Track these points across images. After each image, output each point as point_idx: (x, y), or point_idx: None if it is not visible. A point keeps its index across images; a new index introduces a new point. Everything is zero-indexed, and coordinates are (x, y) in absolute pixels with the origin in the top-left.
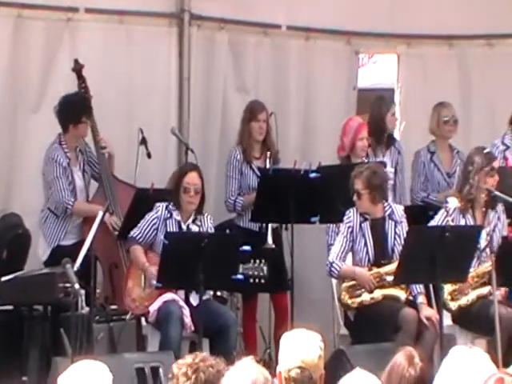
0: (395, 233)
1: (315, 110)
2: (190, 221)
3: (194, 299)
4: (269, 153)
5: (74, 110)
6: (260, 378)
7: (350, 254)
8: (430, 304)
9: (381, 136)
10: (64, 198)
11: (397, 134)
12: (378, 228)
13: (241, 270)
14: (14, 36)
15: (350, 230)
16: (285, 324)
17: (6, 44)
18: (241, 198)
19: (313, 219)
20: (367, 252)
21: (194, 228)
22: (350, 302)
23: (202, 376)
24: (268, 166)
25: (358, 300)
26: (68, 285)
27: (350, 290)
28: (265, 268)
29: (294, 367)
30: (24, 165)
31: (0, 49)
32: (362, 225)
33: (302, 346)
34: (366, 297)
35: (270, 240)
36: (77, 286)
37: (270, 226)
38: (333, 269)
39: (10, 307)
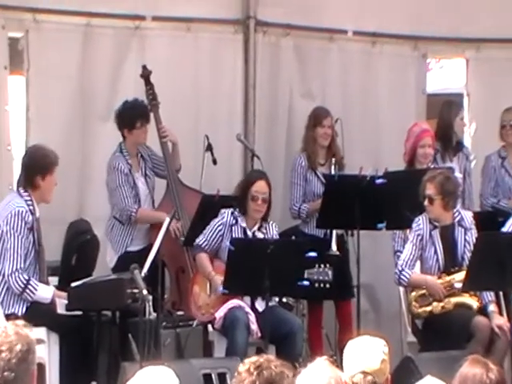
0: (465, 240)
1: (382, 116)
2: (256, 228)
3: (260, 305)
4: (334, 159)
5: (128, 115)
6: (332, 381)
7: (418, 263)
8: (500, 312)
9: (449, 141)
10: (127, 205)
11: (467, 139)
12: (448, 235)
13: (305, 276)
14: (82, 44)
15: (419, 237)
16: (349, 332)
17: (75, 52)
18: (305, 205)
19: (379, 226)
20: (437, 260)
21: (260, 235)
22: (420, 311)
23: (264, 373)
24: (333, 172)
25: (429, 309)
26: (136, 290)
27: (420, 300)
28: (330, 272)
29: (357, 372)
30: (95, 173)
31: (69, 57)
32: (432, 232)
33: (364, 352)
34: (436, 306)
35: (334, 247)
36: (145, 291)
37: (334, 232)
38: (402, 277)
39: (79, 313)
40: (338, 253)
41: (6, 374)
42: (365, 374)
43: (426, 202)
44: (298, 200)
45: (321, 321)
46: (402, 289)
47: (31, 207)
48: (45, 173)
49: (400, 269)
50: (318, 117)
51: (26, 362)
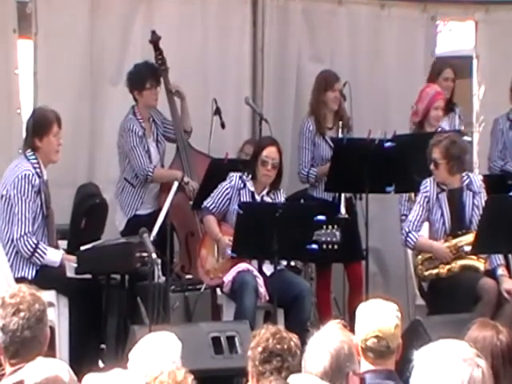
0: (473, 203)
1: (390, 79)
2: (265, 193)
3: (268, 269)
4: (341, 122)
5: (138, 75)
6: (344, 346)
7: (426, 224)
8: (510, 276)
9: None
10: (144, 165)
11: (476, 102)
12: (456, 199)
13: (314, 237)
14: (91, 8)
15: (426, 199)
16: (359, 294)
17: (83, 16)
18: (314, 170)
19: (388, 189)
20: (444, 223)
21: (268, 200)
22: (426, 273)
23: (284, 339)
24: (341, 135)
25: (435, 271)
26: (145, 254)
27: (426, 262)
28: (338, 233)
29: (371, 337)
30: (104, 136)
31: (78, 21)
32: (439, 195)
33: (378, 316)
34: (442, 268)
35: (343, 210)
36: (154, 255)
37: (342, 195)
38: (409, 239)
39: (88, 276)
40: (347, 216)
41: (25, 332)
42: (379, 338)
43: (432, 166)
44: (306, 164)
45: (329, 284)
46: (409, 252)
47: (38, 170)
48: (42, 134)
49: (407, 230)
50: (329, 81)
51: (43, 323)
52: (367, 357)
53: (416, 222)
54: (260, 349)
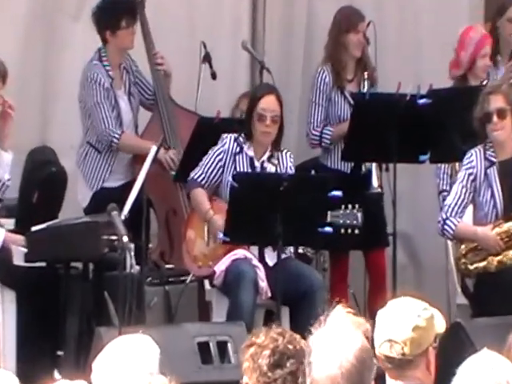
0: None
1: (425, 19)
2: (265, 158)
3: (271, 258)
4: (366, 73)
5: (111, 12)
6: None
7: (469, 207)
8: None
9: (497, 46)
10: (108, 128)
11: None
12: (508, 173)
13: (329, 219)
14: None
15: (471, 177)
16: (381, 291)
17: None
18: (329, 129)
19: (422, 158)
20: (495, 205)
21: (270, 167)
22: (471, 267)
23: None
24: (364, 89)
25: (482, 265)
26: (114, 237)
27: (471, 254)
28: (359, 215)
29: (384, 341)
30: (62, 87)
31: None
32: (488, 171)
33: (393, 316)
34: (491, 261)
35: (375, 182)
36: (125, 238)
37: (374, 164)
38: (446, 227)
39: (41, 264)
40: (379, 190)
41: None
42: (392, 343)
43: (494, 119)
44: (318, 124)
45: (346, 277)
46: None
47: None
48: None
49: (444, 216)
50: (352, 19)
51: None
52: (386, 368)
53: (456, 208)
54: (268, 352)
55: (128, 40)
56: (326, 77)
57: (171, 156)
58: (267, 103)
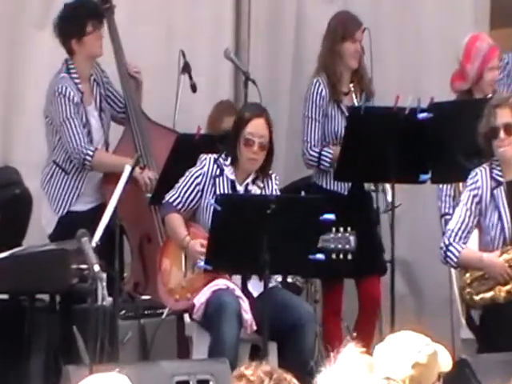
0: None
1: (426, 25)
2: (250, 180)
3: (255, 287)
4: (352, 85)
5: (75, 18)
6: None
7: (475, 232)
8: None
9: None
10: (80, 144)
11: None
12: None
13: (319, 244)
14: None
15: (476, 199)
16: (369, 323)
17: None
18: (329, 151)
19: (422, 177)
20: (502, 229)
21: (255, 190)
22: (477, 298)
23: None
24: (357, 103)
25: (488, 295)
26: (84, 266)
27: (476, 284)
28: (352, 238)
29: (381, 379)
30: (26, 103)
31: None
32: (494, 192)
33: (391, 352)
34: (498, 291)
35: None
36: (96, 267)
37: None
38: (449, 254)
39: (4, 296)
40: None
41: None
42: (389, 380)
43: (501, 134)
44: (315, 143)
45: (340, 308)
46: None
47: None
48: None
49: (447, 242)
50: (349, 27)
51: None
52: None
53: (460, 232)
54: None
55: (96, 46)
56: (321, 90)
57: (149, 176)
58: (256, 127)
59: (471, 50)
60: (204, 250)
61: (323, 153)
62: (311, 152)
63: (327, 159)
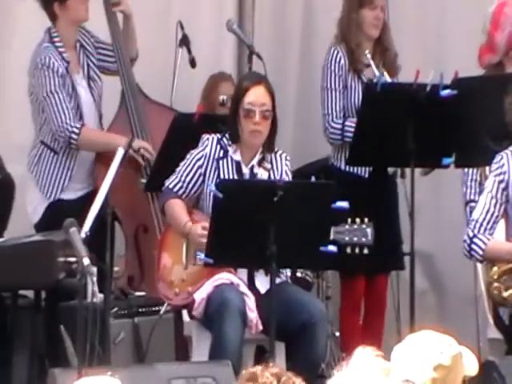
0: None
1: None
2: (255, 161)
3: (262, 283)
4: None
5: None
6: None
7: (501, 222)
8: None
9: None
10: (64, 121)
11: None
12: None
13: (332, 236)
14: None
15: (502, 185)
16: (379, 323)
17: None
18: (353, 120)
19: (445, 161)
20: None
21: (262, 173)
22: (505, 294)
23: None
24: (376, 76)
25: None
26: (72, 259)
27: (505, 278)
28: (369, 231)
29: (400, 382)
30: (7, 78)
31: None
32: None
33: (412, 353)
34: None
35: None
36: (86, 260)
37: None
38: (474, 246)
39: None
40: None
41: None
42: (409, 383)
43: None
44: (338, 114)
45: (359, 305)
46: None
47: None
48: None
49: (471, 234)
50: None
51: None
52: None
53: (485, 223)
54: None
55: (81, 9)
56: (340, 59)
57: (147, 153)
58: (255, 96)
59: (499, 17)
60: (206, 232)
61: (347, 123)
62: (333, 124)
63: (351, 129)
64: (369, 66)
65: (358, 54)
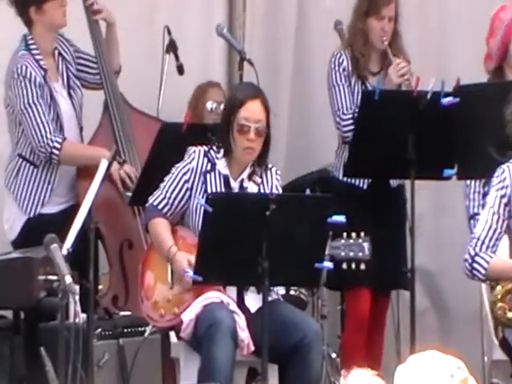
0: None
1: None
2: (245, 175)
3: (253, 301)
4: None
5: None
6: None
7: (504, 238)
8: None
9: None
10: (45, 136)
11: None
12: None
13: (327, 251)
14: None
15: (504, 200)
16: (377, 338)
17: None
18: None
19: (447, 172)
20: None
21: (252, 187)
22: (510, 315)
23: None
24: (377, 85)
25: None
26: (53, 277)
27: (510, 297)
28: (366, 245)
29: None
30: None
31: None
32: None
33: (420, 376)
34: None
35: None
36: (68, 279)
37: None
38: (476, 265)
39: None
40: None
41: None
42: None
43: None
44: (349, 106)
45: (365, 322)
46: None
47: None
48: None
49: (473, 253)
50: (375, 1)
51: None
52: None
53: (488, 240)
54: None
55: (59, 14)
56: (342, 61)
57: (127, 171)
58: (251, 111)
59: (493, 22)
60: (192, 260)
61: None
62: (344, 117)
63: None
64: (375, 74)
65: (364, 63)
